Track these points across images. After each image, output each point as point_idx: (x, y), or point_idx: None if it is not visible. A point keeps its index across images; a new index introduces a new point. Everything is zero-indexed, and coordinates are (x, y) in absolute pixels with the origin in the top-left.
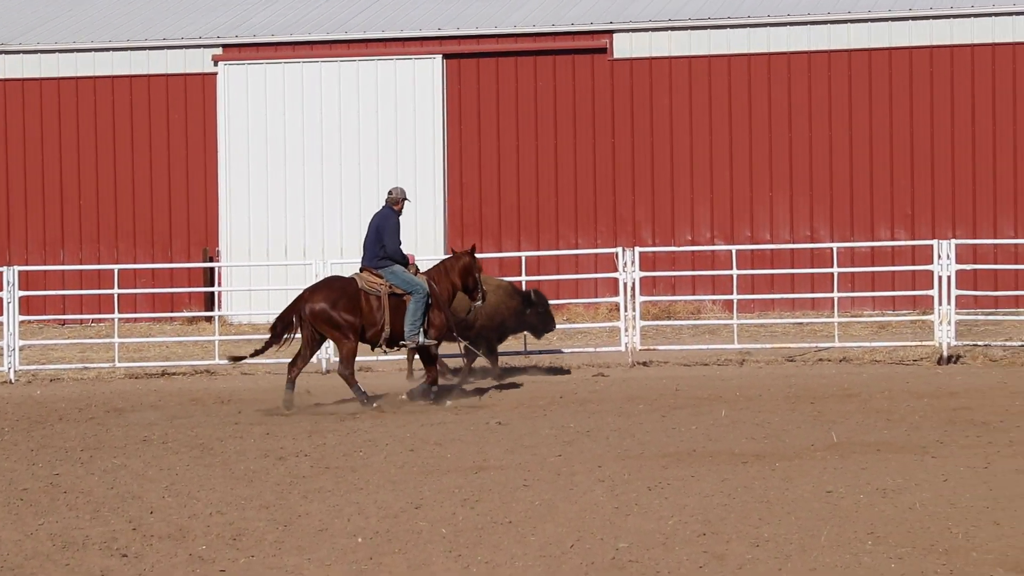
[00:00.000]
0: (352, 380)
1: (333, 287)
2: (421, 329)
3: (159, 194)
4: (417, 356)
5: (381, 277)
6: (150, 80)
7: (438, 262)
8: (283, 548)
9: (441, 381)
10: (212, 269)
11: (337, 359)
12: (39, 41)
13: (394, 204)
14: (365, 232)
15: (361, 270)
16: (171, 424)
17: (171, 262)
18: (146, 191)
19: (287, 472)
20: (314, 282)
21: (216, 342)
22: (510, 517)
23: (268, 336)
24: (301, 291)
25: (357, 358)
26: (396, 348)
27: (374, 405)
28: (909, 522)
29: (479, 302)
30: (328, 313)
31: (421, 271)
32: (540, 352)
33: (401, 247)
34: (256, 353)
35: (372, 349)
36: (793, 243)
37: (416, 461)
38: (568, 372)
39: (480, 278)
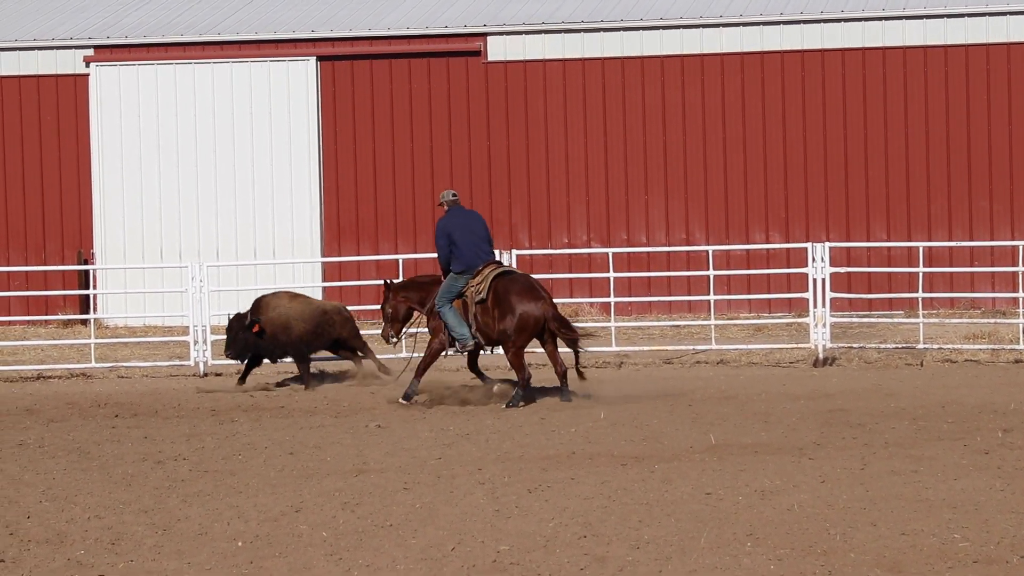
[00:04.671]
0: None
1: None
2: None
3: (32, 196)
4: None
5: None
6: (20, 81)
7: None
8: (162, 552)
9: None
10: (87, 272)
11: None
12: None
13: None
14: (461, 233)
15: (484, 266)
16: (47, 428)
17: (45, 265)
18: (18, 193)
19: (165, 476)
20: (512, 282)
21: (92, 345)
22: (391, 520)
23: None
24: (513, 292)
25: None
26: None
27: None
28: (788, 523)
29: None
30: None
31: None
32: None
33: None
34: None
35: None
36: (669, 246)
37: (296, 464)
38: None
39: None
